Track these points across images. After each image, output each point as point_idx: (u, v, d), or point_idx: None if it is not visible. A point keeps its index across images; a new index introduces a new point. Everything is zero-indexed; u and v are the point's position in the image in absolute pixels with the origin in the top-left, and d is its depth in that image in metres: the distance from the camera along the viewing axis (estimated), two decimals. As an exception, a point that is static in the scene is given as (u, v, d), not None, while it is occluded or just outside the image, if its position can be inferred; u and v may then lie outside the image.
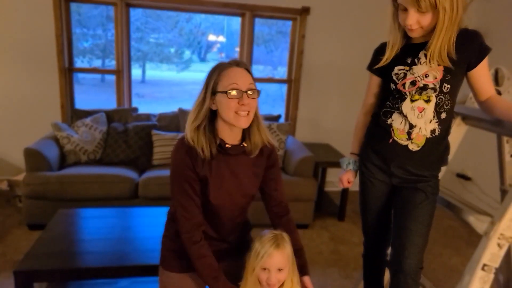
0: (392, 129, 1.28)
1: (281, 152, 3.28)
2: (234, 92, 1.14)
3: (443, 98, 1.22)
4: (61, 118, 3.47)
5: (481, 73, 1.21)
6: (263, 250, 1.15)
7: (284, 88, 3.98)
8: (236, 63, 1.19)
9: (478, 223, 1.21)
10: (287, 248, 1.18)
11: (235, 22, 3.73)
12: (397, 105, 1.27)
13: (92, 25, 5.25)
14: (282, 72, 3.95)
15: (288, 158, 3.26)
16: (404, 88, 1.25)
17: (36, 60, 3.34)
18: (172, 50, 9.77)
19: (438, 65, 1.19)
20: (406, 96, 1.24)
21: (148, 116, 3.43)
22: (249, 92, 1.16)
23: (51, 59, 3.36)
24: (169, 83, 10.78)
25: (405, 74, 1.25)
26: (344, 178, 1.50)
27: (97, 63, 7.13)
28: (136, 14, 3.33)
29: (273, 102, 5.05)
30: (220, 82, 1.17)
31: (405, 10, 1.15)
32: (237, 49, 3.84)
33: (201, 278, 1.25)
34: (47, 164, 2.84)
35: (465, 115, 1.44)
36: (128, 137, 3.17)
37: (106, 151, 3.15)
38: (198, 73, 10.55)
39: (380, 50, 1.34)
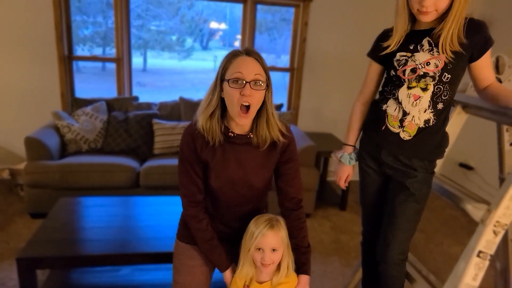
0: (387, 115, 1.27)
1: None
2: (236, 82, 1.12)
3: (442, 88, 1.19)
4: (61, 106, 3.45)
5: (484, 64, 1.19)
6: (258, 231, 1.19)
7: (287, 77, 3.95)
8: (247, 52, 1.17)
9: (475, 211, 1.21)
10: (281, 231, 1.22)
11: (238, 9, 3.67)
12: (394, 91, 1.26)
13: (92, 12, 5.19)
14: (285, 60, 3.90)
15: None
16: (404, 75, 1.22)
17: (35, 48, 3.31)
18: (174, 38, 9.67)
19: (439, 53, 1.16)
20: (404, 83, 1.22)
21: (148, 105, 3.41)
22: (252, 83, 1.13)
23: (51, 47, 3.32)
24: (170, 71, 10.71)
25: (406, 61, 1.22)
26: (344, 175, 1.47)
27: (98, 51, 7.07)
28: (136, 0, 3.27)
29: (275, 91, 5.03)
30: (228, 70, 1.15)
31: None
32: (239, 36, 3.80)
33: (200, 250, 1.34)
34: (48, 153, 2.83)
35: (465, 103, 1.42)
36: (129, 126, 3.15)
37: (107, 140, 3.14)
38: (200, 62, 10.47)
39: (383, 37, 1.30)
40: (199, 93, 3.66)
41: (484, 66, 1.19)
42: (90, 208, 2.31)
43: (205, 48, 10.88)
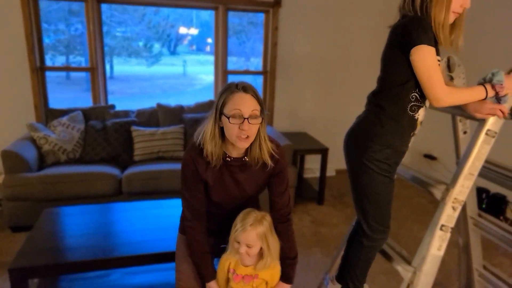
0: (417, 123, 1.33)
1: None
2: (235, 118, 1.24)
3: None
4: (35, 118, 3.42)
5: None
6: (239, 225, 1.33)
7: (259, 79, 4.08)
8: (244, 88, 1.27)
9: (436, 190, 1.39)
10: (260, 229, 1.33)
11: (204, 14, 3.76)
12: (424, 99, 1.29)
13: (53, 20, 5.10)
14: (255, 63, 4.03)
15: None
16: None
17: (6, 60, 3.26)
18: (141, 43, 9.59)
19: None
20: None
21: (126, 113, 3.44)
22: (250, 118, 1.25)
23: (22, 58, 3.29)
24: (139, 78, 10.57)
25: (439, 64, 1.25)
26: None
27: (61, 60, 6.91)
28: (102, 6, 3.29)
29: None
30: (226, 105, 1.26)
31: None
32: (209, 40, 3.88)
33: (191, 259, 1.47)
34: (26, 165, 2.81)
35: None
36: (108, 134, 3.18)
37: (86, 149, 3.15)
38: (169, 67, 10.43)
39: (429, 24, 1.22)
40: (169, 98, 3.72)
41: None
42: (75, 216, 2.33)
43: (173, 53, 10.85)
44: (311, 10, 3.84)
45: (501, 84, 1.23)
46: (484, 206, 3.36)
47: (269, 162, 1.35)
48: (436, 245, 1.34)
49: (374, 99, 1.36)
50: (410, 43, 1.20)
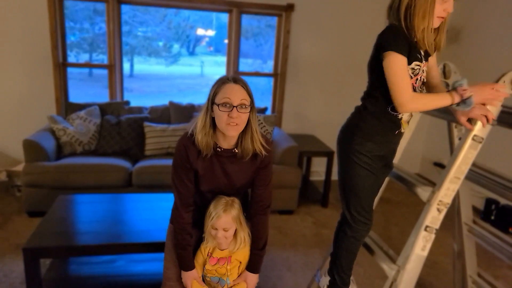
0: (401, 122, 1.41)
1: (268, 142, 3.47)
2: (225, 106, 1.33)
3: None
4: (56, 111, 3.60)
5: (435, 60, 1.43)
6: (214, 212, 1.42)
7: (272, 81, 4.17)
8: (234, 80, 1.36)
9: (422, 192, 1.44)
10: (233, 212, 1.44)
11: (224, 16, 3.89)
12: None
13: (79, 19, 5.32)
14: (271, 65, 4.13)
15: (274, 147, 3.46)
16: (416, 83, 1.33)
17: (31, 56, 3.46)
18: (161, 43, 9.80)
19: (425, 61, 1.35)
20: (415, 91, 1.32)
21: (140, 109, 3.58)
22: (239, 107, 1.34)
23: (46, 54, 3.48)
24: (157, 77, 10.78)
25: (418, 71, 1.32)
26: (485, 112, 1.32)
27: (84, 57, 7.17)
28: (123, 7, 3.46)
29: (261, 95, 5.24)
30: (217, 95, 1.34)
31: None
32: (226, 41, 4.01)
33: (174, 248, 1.55)
34: (45, 155, 2.98)
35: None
36: (121, 129, 3.32)
37: (101, 142, 3.30)
38: (187, 67, 10.61)
39: (402, 34, 1.28)
40: (186, 98, 3.85)
41: (434, 64, 1.44)
42: (86, 204, 2.47)
43: (191, 53, 11.03)
44: (323, 14, 3.91)
45: (463, 87, 1.27)
46: (493, 217, 3.34)
47: (263, 152, 1.43)
48: (420, 245, 1.40)
49: (362, 100, 1.45)
50: (381, 49, 1.27)
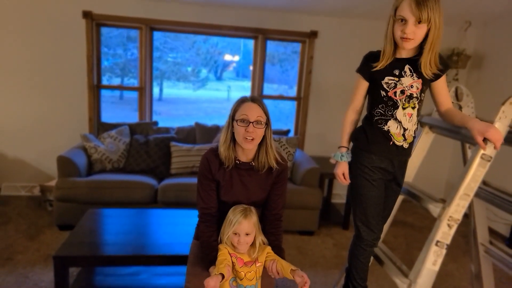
0: (391, 134, 1.49)
1: (290, 163, 3.53)
2: (243, 122, 1.49)
3: (421, 105, 1.50)
4: (89, 130, 3.82)
5: (442, 85, 1.49)
6: (235, 219, 1.50)
7: (294, 105, 4.27)
8: (252, 99, 1.53)
9: (434, 208, 1.46)
10: (253, 218, 1.52)
11: (251, 42, 4.07)
12: (390, 113, 1.46)
13: (112, 45, 5.68)
14: (296, 90, 4.25)
15: (295, 169, 3.51)
16: (395, 96, 1.45)
17: (69, 78, 3.73)
18: (189, 69, 10.19)
19: (418, 78, 1.43)
20: (398, 104, 1.45)
21: (167, 129, 3.75)
22: (255, 123, 1.47)
23: (82, 77, 3.74)
24: (185, 100, 11.13)
25: (395, 84, 1.45)
26: (340, 171, 1.58)
27: (116, 81, 7.57)
28: (155, 34, 3.71)
29: (286, 119, 5.35)
30: (237, 112, 1.52)
31: (403, 21, 1.35)
32: (251, 67, 4.17)
33: (201, 247, 1.64)
34: (77, 171, 3.16)
35: (431, 124, 1.71)
36: (149, 148, 3.48)
37: (129, 160, 3.46)
38: (214, 92, 10.93)
39: (371, 57, 1.50)
40: (212, 121, 3.99)
41: (443, 87, 1.50)
42: (114, 217, 2.59)
43: (219, 78, 11.37)
44: (345, 41, 4.02)
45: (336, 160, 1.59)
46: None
47: (275, 165, 1.56)
48: (431, 260, 1.41)
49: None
50: None
